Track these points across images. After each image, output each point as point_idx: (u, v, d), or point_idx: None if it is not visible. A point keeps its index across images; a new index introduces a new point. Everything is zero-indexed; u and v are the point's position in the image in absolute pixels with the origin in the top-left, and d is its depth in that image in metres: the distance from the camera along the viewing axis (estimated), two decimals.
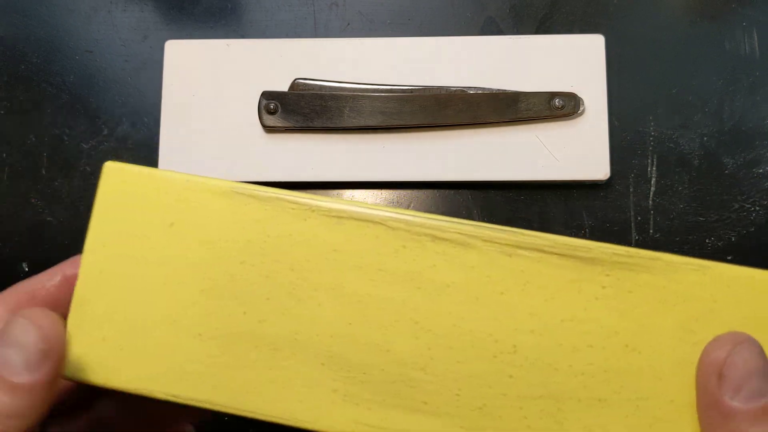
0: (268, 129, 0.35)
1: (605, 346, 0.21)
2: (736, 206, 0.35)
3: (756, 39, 0.36)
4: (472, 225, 0.22)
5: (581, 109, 0.35)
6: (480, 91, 0.35)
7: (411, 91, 0.35)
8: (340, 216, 0.22)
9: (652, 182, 0.35)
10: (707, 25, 0.37)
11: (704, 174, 0.35)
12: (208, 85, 0.36)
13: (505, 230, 0.22)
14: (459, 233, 0.22)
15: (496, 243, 0.22)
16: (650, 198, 0.35)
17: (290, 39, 0.37)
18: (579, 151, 0.34)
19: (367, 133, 0.35)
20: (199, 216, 0.22)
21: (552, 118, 0.35)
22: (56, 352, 0.19)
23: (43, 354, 0.19)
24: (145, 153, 0.37)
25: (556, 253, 0.22)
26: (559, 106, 0.34)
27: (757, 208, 0.35)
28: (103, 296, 0.22)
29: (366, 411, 0.21)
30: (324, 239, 0.22)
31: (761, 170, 0.35)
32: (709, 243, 0.34)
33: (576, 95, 0.35)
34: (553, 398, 0.21)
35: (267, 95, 0.35)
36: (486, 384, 0.21)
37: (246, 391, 0.21)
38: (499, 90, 0.35)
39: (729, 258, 0.34)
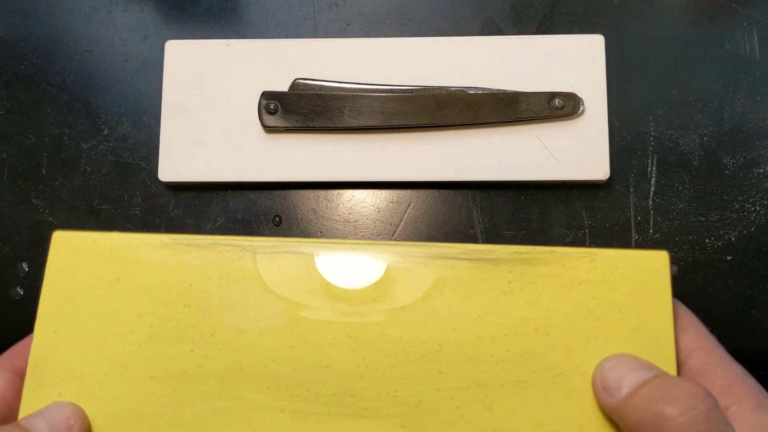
0: (268, 129, 0.35)
1: (518, 333, 0.23)
2: (737, 206, 0.35)
3: (756, 39, 0.36)
4: (388, 244, 0.25)
5: (581, 109, 0.35)
6: (480, 91, 0.35)
7: (411, 91, 0.35)
8: (273, 251, 0.24)
9: (652, 182, 0.35)
10: (707, 25, 0.37)
11: (704, 174, 0.35)
12: (208, 85, 0.36)
13: (418, 245, 0.24)
14: (379, 251, 0.24)
15: (413, 257, 0.24)
16: (650, 198, 0.35)
17: (290, 39, 0.37)
18: (579, 151, 0.34)
19: (367, 133, 0.35)
20: (143, 269, 0.24)
21: (552, 118, 0.35)
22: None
23: (70, 428, 0.23)
24: (145, 153, 0.37)
25: (465, 258, 0.24)
26: (559, 106, 0.34)
27: (758, 208, 0.35)
28: (58, 354, 0.24)
29: (314, 424, 0.23)
30: (260, 274, 0.24)
31: (761, 170, 0.35)
32: (709, 243, 0.34)
33: (576, 95, 0.35)
34: (480, 386, 0.23)
35: (267, 95, 0.35)
36: (419, 383, 0.23)
37: (200, 424, 0.23)
38: (499, 90, 0.35)
39: (729, 258, 0.34)
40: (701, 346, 0.24)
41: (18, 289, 0.36)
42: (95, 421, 0.23)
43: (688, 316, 0.24)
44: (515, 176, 0.34)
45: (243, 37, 0.38)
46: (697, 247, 0.34)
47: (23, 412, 0.23)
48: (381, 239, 0.25)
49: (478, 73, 0.36)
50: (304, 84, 0.36)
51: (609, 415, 0.22)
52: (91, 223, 0.36)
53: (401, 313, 0.24)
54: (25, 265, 0.36)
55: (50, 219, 0.36)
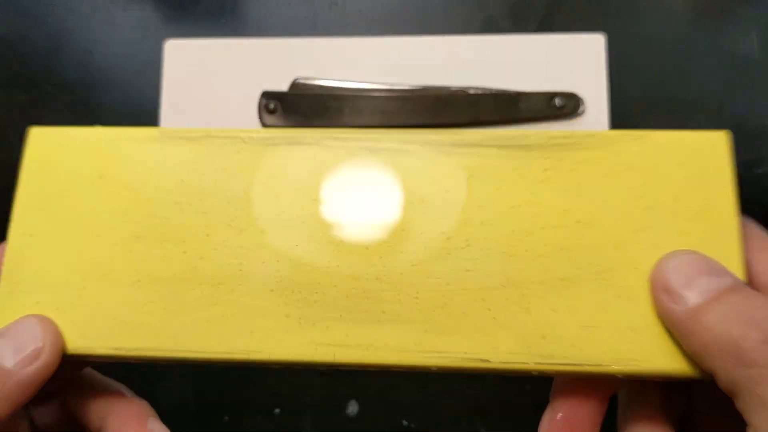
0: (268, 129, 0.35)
1: (557, 225, 0.21)
2: None
3: (756, 39, 0.36)
4: (407, 132, 0.22)
5: (581, 109, 0.35)
6: (480, 91, 0.35)
7: (411, 91, 0.35)
8: (274, 143, 0.22)
9: None
10: (707, 25, 0.37)
11: None
12: (208, 85, 0.36)
13: (441, 132, 0.22)
14: (395, 141, 0.22)
15: (435, 145, 0.22)
16: None
17: (290, 39, 0.37)
18: None
19: None
20: (130, 164, 0.22)
21: (552, 118, 0.35)
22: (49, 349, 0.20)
23: (37, 351, 0.20)
24: None
25: (495, 146, 0.22)
26: (559, 106, 0.34)
27: (758, 208, 0.35)
28: (34, 259, 0.21)
29: (323, 330, 0.20)
30: (260, 168, 0.22)
31: (761, 170, 0.35)
32: None
33: (576, 95, 0.35)
34: (514, 285, 0.20)
35: (267, 95, 0.35)
36: (444, 282, 0.20)
37: (191, 333, 0.20)
38: (499, 90, 0.35)
39: None
40: None
41: None
42: (75, 331, 0.20)
43: (752, 226, 0.21)
44: None
45: (243, 37, 0.38)
46: None
47: None
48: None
49: (478, 73, 0.36)
50: (304, 84, 0.36)
51: (667, 323, 0.19)
52: None
53: (422, 206, 0.21)
54: None
55: None
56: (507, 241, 0.20)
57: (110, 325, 0.21)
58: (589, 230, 0.20)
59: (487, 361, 0.20)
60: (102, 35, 0.38)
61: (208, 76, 0.36)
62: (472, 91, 0.36)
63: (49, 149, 0.23)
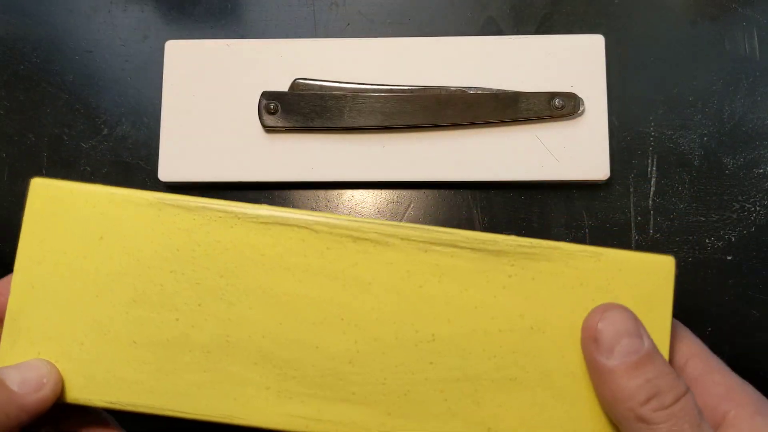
0: (268, 129, 0.35)
1: (513, 329, 0.23)
2: (737, 206, 0.35)
3: (756, 39, 0.36)
4: (389, 225, 0.23)
5: (581, 109, 0.35)
6: (480, 91, 0.35)
7: (411, 91, 0.35)
8: (266, 222, 0.23)
9: (652, 182, 0.35)
10: (707, 25, 0.37)
11: (704, 174, 0.35)
12: (208, 85, 0.36)
13: (419, 228, 0.23)
14: (377, 233, 0.23)
15: (413, 240, 0.23)
16: (650, 198, 0.35)
17: (290, 39, 0.37)
18: (579, 151, 0.34)
19: (367, 133, 0.35)
20: (128, 228, 0.23)
21: (552, 118, 0.35)
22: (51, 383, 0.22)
23: (41, 385, 0.22)
24: (145, 153, 0.36)
25: (467, 248, 0.23)
26: (559, 106, 0.34)
27: (758, 208, 0.35)
28: (36, 311, 0.23)
29: (299, 404, 0.22)
30: (251, 244, 0.23)
31: (761, 170, 0.35)
32: (709, 243, 0.34)
33: (576, 95, 0.35)
34: (469, 380, 0.22)
35: (267, 95, 0.35)
36: (409, 371, 0.23)
37: (182, 394, 0.22)
38: (499, 90, 0.35)
39: (729, 258, 0.34)
40: (697, 353, 0.24)
41: None
42: (73, 383, 0.22)
43: (682, 328, 0.24)
44: (515, 176, 0.34)
45: (243, 37, 0.38)
46: (697, 247, 0.34)
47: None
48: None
49: (478, 73, 0.36)
50: (304, 84, 0.36)
51: (589, 366, 0.22)
52: None
53: (397, 298, 0.23)
54: None
55: None
56: (467, 339, 0.23)
57: (107, 379, 0.22)
58: (539, 336, 0.23)
59: None
60: (102, 35, 0.38)
61: (208, 77, 0.37)
62: (472, 91, 0.36)
63: (50, 202, 0.24)
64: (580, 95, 0.35)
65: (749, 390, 0.23)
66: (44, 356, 0.22)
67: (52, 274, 0.23)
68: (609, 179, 0.34)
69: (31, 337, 0.23)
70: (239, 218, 0.23)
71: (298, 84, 0.36)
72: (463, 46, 0.36)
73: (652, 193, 0.35)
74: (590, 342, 0.22)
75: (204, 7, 0.38)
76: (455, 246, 0.23)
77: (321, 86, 0.36)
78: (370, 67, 0.36)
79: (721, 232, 0.35)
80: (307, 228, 0.23)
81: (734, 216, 0.35)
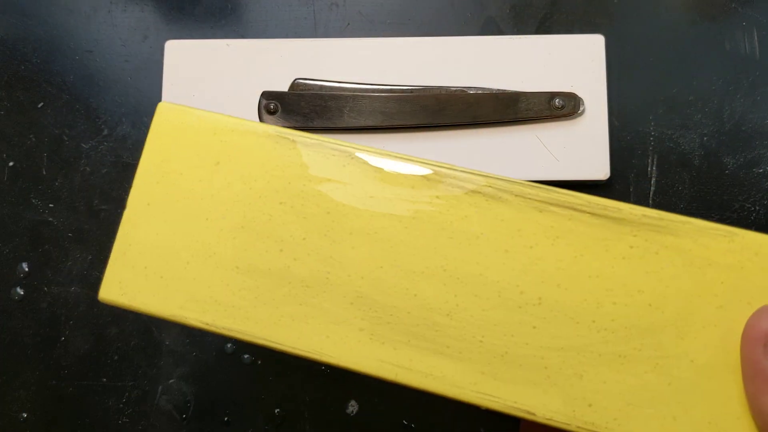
0: None
1: (628, 303, 0.21)
2: (737, 206, 0.35)
3: (756, 39, 0.36)
4: (505, 180, 0.22)
5: (581, 109, 0.35)
6: (480, 91, 0.35)
7: (411, 91, 0.35)
8: (381, 162, 0.23)
9: (652, 182, 0.35)
10: (707, 25, 0.37)
11: (704, 174, 0.35)
12: (208, 84, 0.36)
13: (538, 187, 0.22)
14: (492, 187, 0.22)
15: (529, 198, 0.22)
16: (650, 198, 0.35)
17: (290, 39, 0.37)
18: (579, 151, 0.34)
19: (367, 133, 0.35)
20: (245, 157, 0.23)
21: (552, 118, 0.35)
22: None
23: None
24: None
25: (587, 212, 0.22)
26: (559, 106, 0.34)
27: (758, 208, 0.35)
28: (148, 227, 0.23)
29: (391, 350, 0.22)
30: (361, 185, 0.23)
31: (761, 170, 0.35)
32: None
33: (576, 95, 0.35)
34: (574, 350, 0.21)
35: (267, 95, 0.35)
36: (509, 333, 0.21)
37: (276, 324, 0.22)
38: (499, 90, 0.35)
39: None
40: None
41: (18, 290, 0.36)
42: (174, 301, 0.23)
43: None
44: (515, 176, 0.34)
45: (243, 37, 0.38)
46: None
47: (107, 279, 0.23)
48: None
49: (478, 73, 0.36)
50: (304, 84, 0.36)
51: (745, 365, 0.20)
52: (91, 223, 0.36)
53: (504, 256, 0.22)
54: (25, 266, 0.36)
55: (50, 219, 0.36)
56: (577, 308, 0.21)
57: (206, 301, 0.22)
58: (657, 315, 0.21)
59: (533, 414, 0.21)
60: (102, 35, 0.38)
61: (208, 77, 0.37)
62: (472, 91, 0.36)
63: (174, 126, 0.24)
64: (580, 95, 0.35)
65: None
66: (149, 272, 0.23)
67: (167, 194, 0.23)
68: (609, 179, 0.34)
69: (140, 249, 0.23)
70: (353, 158, 0.23)
71: (298, 84, 0.36)
72: (463, 46, 0.36)
73: (652, 193, 0.35)
74: (757, 345, 0.19)
75: (204, 7, 0.38)
76: (574, 209, 0.22)
77: (321, 86, 0.36)
78: (370, 67, 0.36)
79: None
80: (422, 174, 0.23)
81: (734, 216, 0.35)
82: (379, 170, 0.23)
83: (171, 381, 0.36)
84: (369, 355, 0.22)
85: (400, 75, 0.36)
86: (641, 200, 0.35)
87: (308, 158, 0.23)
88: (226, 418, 0.35)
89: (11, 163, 0.37)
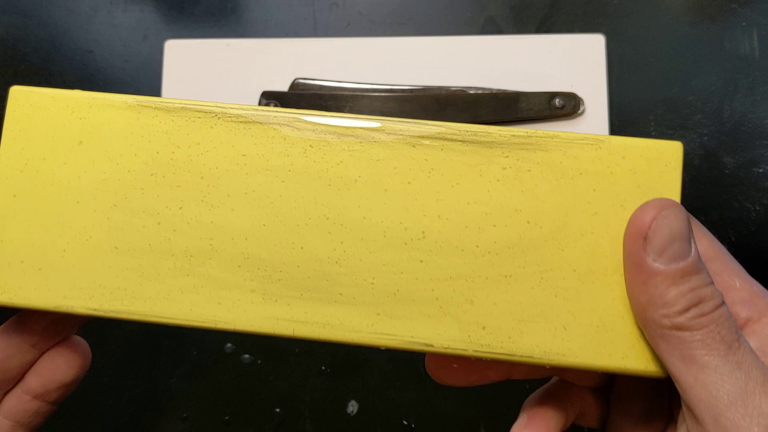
0: None
1: (508, 224, 0.22)
2: (737, 206, 0.35)
3: (756, 39, 0.36)
4: (373, 119, 0.22)
5: (581, 109, 0.35)
6: (480, 91, 0.35)
7: (411, 91, 0.35)
8: (246, 121, 0.23)
9: None
10: (707, 25, 0.37)
11: (704, 174, 0.35)
12: (208, 85, 0.36)
13: (407, 122, 0.22)
14: (362, 128, 0.22)
15: (400, 135, 0.22)
16: None
17: (290, 39, 0.37)
18: None
19: None
20: (107, 132, 0.23)
21: (552, 118, 0.35)
22: None
23: None
24: None
25: (458, 140, 0.22)
26: (559, 106, 0.34)
27: (757, 207, 0.35)
28: (19, 219, 0.23)
29: (285, 307, 0.22)
30: (232, 145, 0.22)
31: (761, 170, 0.35)
32: None
33: (576, 95, 0.35)
34: (462, 278, 0.21)
35: (267, 95, 0.35)
36: (399, 270, 0.22)
37: (165, 299, 0.22)
38: (499, 90, 0.35)
39: None
40: (717, 256, 0.22)
41: None
42: (57, 291, 0.22)
43: (701, 227, 0.22)
44: None
45: (243, 37, 0.38)
46: None
47: None
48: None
49: (478, 73, 0.36)
50: (304, 84, 0.36)
51: (627, 261, 0.20)
52: None
53: (384, 195, 0.22)
54: None
55: None
56: (460, 236, 0.22)
57: (90, 287, 0.22)
58: (536, 231, 0.22)
59: (431, 345, 0.21)
60: (102, 35, 0.38)
61: (208, 76, 0.37)
62: (472, 91, 0.36)
63: (29, 109, 0.23)
64: (580, 95, 0.35)
65: None
66: (26, 266, 0.22)
67: (33, 182, 0.23)
68: None
69: (13, 244, 0.22)
70: (218, 118, 0.23)
71: (298, 84, 0.36)
72: (463, 46, 0.36)
73: None
74: (638, 238, 0.20)
75: (204, 7, 0.38)
76: (445, 139, 0.22)
77: (321, 86, 0.36)
78: (370, 67, 0.36)
79: (721, 232, 0.35)
80: (288, 126, 0.22)
81: (734, 216, 0.35)
82: (248, 126, 0.22)
83: (171, 380, 0.36)
84: (264, 315, 0.22)
85: (400, 75, 0.36)
86: None
87: (173, 124, 0.23)
88: (226, 418, 0.35)
89: None
